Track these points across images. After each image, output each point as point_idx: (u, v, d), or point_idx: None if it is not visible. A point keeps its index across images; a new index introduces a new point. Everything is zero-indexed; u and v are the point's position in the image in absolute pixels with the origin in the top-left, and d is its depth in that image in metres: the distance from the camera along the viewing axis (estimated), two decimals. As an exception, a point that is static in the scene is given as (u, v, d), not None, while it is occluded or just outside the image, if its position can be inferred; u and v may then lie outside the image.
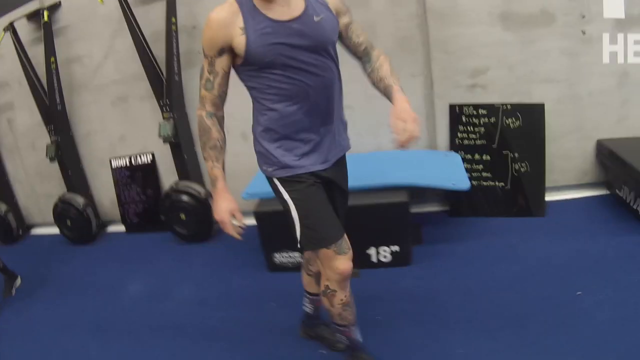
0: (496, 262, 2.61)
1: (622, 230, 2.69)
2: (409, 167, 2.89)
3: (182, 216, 3.45)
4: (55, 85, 3.57)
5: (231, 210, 1.59)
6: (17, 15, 3.60)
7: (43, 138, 3.84)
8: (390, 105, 1.51)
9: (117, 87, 3.64)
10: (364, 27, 1.69)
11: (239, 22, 1.44)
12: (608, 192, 3.13)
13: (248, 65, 1.49)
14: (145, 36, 3.28)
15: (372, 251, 2.73)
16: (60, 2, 3.50)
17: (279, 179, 1.64)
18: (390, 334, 2.18)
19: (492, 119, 3.08)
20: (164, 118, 3.33)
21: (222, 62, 1.50)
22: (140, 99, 3.58)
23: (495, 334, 2.05)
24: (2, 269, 3.26)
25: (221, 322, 2.51)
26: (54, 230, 4.12)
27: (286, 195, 1.64)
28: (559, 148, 3.12)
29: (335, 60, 1.59)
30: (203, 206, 3.39)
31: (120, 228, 4.09)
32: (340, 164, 1.76)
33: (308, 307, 2.14)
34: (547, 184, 3.09)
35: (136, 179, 3.88)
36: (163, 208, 3.55)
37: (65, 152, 3.82)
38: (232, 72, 1.57)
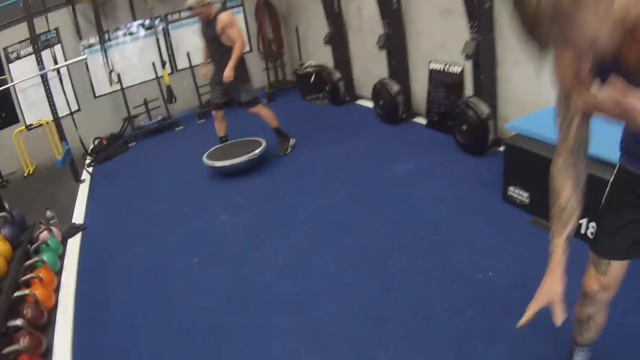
0: None
1: None
2: None
3: (464, 127, 3.90)
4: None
5: (551, 297, 1.22)
6: None
7: (381, 28, 4.68)
8: None
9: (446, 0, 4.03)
10: None
11: None
12: None
13: None
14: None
15: None
16: None
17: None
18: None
19: None
20: (471, 37, 3.63)
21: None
22: (461, 15, 3.90)
23: None
24: (277, 131, 4.53)
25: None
26: (371, 104, 5.19)
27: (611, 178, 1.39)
28: None
29: None
30: (482, 125, 3.74)
31: (422, 121, 4.81)
32: None
33: None
34: None
35: (445, 84, 4.39)
36: (452, 115, 4.05)
37: (394, 44, 4.60)
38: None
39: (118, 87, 6.21)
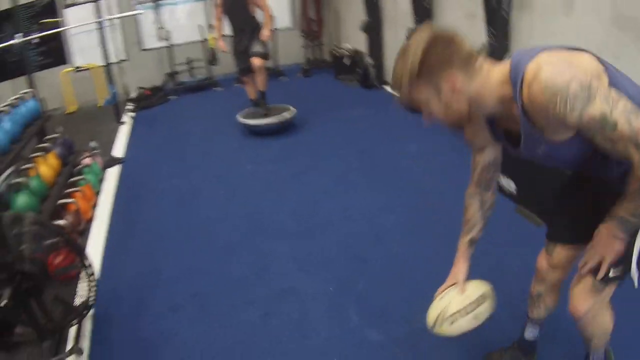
0: None
1: None
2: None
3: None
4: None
5: (456, 279, 1.62)
6: None
7: (412, 22, 5.04)
8: None
9: (470, 3, 4.34)
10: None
11: None
12: None
13: None
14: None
15: None
16: None
17: None
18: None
19: None
20: (487, 42, 3.97)
21: None
22: (483, 21, 4.21)
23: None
24: (263, 94, 4.92)
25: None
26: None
27: None
28: None
29: None
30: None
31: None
32: None
33: None
34: None
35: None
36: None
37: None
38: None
39: (165, 43, 6.72)
